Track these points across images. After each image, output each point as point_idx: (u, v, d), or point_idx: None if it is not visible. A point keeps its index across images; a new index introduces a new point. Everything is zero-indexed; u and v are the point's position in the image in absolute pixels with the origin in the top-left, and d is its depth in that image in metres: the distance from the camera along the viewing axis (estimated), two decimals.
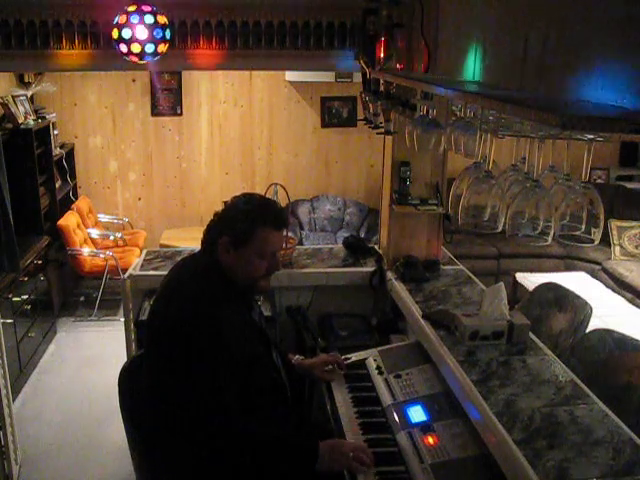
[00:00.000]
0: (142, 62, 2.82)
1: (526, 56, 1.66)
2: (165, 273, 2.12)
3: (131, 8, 2.71)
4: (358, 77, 3.15)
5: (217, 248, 1.98)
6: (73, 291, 5.67)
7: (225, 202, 2.07)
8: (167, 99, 6.08)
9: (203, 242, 2.06)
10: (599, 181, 6.37)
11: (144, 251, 3.47)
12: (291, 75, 5.99)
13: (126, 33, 2.72)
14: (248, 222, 1.97)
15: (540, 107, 1.23)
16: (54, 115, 5.51)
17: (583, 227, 1.66)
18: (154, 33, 2.74)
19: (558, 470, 1.57)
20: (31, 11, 2.91)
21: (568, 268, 5.64)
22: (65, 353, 4.68)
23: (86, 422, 3.77)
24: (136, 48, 2.75)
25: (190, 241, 4.68)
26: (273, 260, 2.03)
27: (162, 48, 2.81)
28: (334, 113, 6.35)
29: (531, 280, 4.69)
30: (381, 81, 2.54)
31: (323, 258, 3.33)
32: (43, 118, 5.21)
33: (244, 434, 1.88)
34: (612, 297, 4.68)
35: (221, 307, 1.93)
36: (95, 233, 5.62)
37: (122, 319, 3.21)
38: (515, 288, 4.91)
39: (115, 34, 2.74)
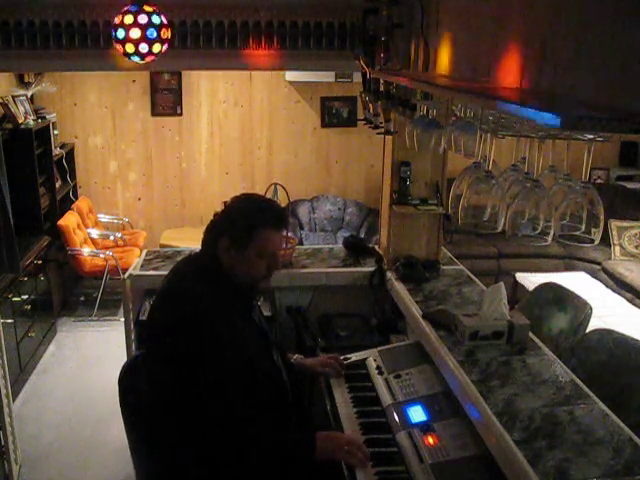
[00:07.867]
0: (144, 62, 2.81)
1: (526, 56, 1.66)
2: (165, 273, 2.11)
3: (148, 9, 2.71)
4: (358, 77, 3.14)
5: (217, 249, 1.98)
6: (73, 291, 5.68)
7: (225, 202, 2.06)
8: (167, 99, 6.08)
9: (203, 243, 2.06)
10: (599, 181, 6.36)
11: (144, 251, 3.47)
12: (291, 75, 5.98)
13: (133, 33, 2.71)
14: (248, 223, 1.97)
15: (539, 106, 1.23)
16: (54, 115, 5.50)
17: (583, 227, 1.66)
18: (159, 33, 2.74)
19: (558, 470, 1.57)
20: (31, 11, 2.91)
21: (568, 268, 5.64)
22: (65, 353, 4.69)
23: (86, 422, 3.78)
24: (142, 48, 2.74)
25: (190, 241, 4.67)
26: (273, 260, 2.03)
27: (164, 48, 2.81)
28: (334, 113, 6.35)
29: (531, 280, 4.68)
30: (381, 81, 2.54)
31: (323, 258, 3.33)
32: (43, 118, 5.21)
33: (244, 434, 1.88)
34: (612, 297, 4.67)
35: (221, 307, 1.93)
36: (95, 233, 5.62)
37: (122, 319, 3.21)
38: (515, 288, 4.91)
39: (120, 34, 2.73)
